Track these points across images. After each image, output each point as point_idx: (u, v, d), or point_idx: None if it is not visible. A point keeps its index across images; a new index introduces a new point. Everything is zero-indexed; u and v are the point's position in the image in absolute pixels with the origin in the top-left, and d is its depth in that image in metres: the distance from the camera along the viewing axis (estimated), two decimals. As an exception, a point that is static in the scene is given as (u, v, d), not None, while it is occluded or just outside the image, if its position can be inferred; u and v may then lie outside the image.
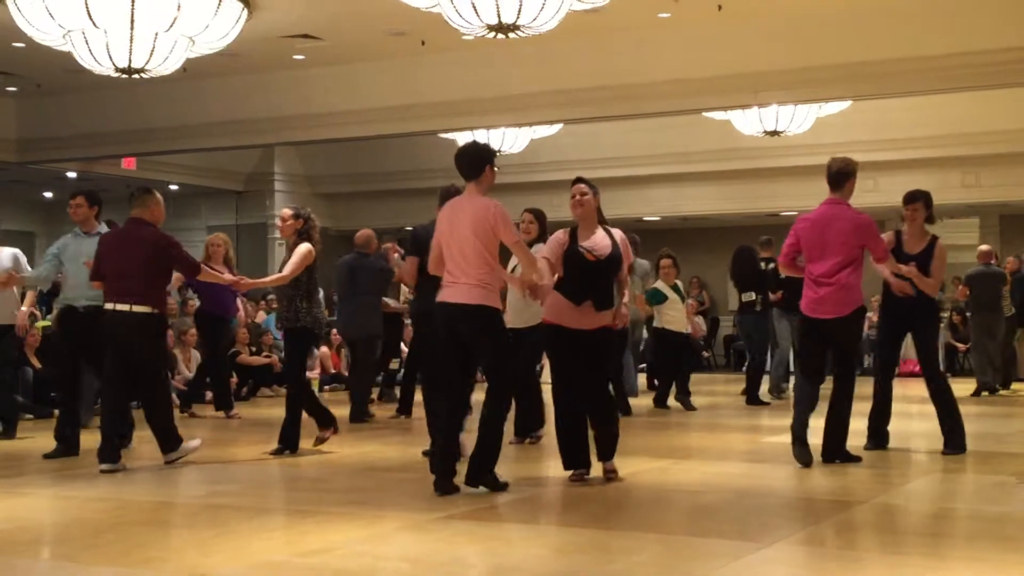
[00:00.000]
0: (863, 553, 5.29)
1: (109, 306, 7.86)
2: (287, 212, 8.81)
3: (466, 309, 6.58)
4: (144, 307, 7.79)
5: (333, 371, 15.94)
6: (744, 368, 13.82)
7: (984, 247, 15.13)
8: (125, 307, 7.77)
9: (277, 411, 12.67)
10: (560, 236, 7.10)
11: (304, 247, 8.54)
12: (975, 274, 14.59)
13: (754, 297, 12.95)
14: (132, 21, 10.54)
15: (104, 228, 8.95)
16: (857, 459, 7.84)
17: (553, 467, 7.68)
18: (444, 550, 5.30)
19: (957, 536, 5.69)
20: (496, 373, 6.80)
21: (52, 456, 8.44)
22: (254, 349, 14.47)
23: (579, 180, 7.24)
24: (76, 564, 5.11)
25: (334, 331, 15.41)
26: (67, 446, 8.56)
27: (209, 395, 12.58)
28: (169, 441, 8.11)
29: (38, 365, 11.94)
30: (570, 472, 7.14)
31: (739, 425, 11.09)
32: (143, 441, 9.91)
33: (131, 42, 10.78)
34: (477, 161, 6.78)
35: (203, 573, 4.80)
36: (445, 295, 6.69)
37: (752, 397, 12.83)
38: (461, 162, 6.81)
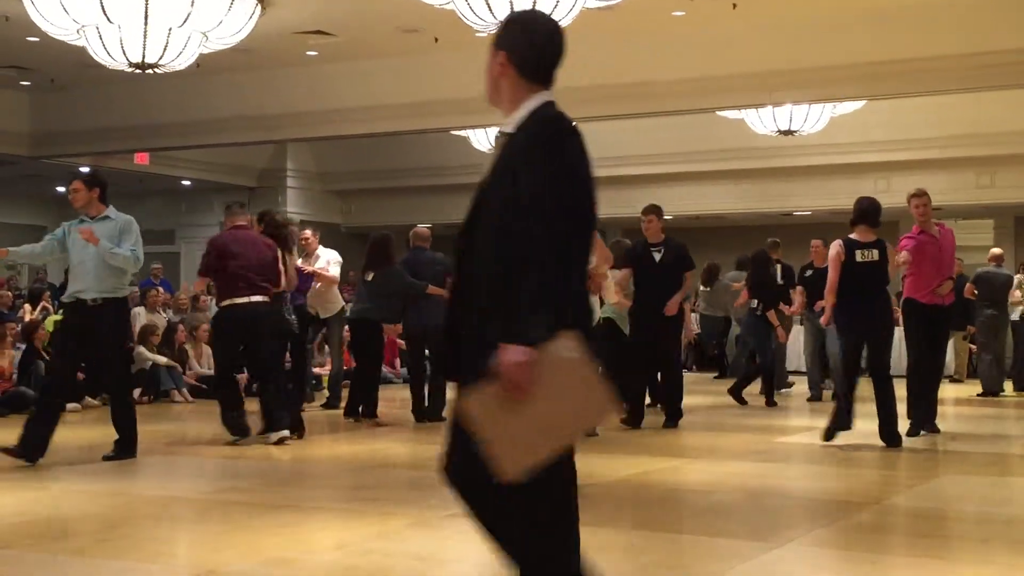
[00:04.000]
0: (875, 555, 5.26)
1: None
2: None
3: None
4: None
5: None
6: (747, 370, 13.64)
7: (996, 250, 14.93)
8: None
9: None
10: None
11: None
12: (983, 274, 14.44)
13: (755, 303, 12.76)
14: (146, 16, 10.58)
15: (112, 210, 7.87)
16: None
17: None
18: (454, 547, 5.28)
19: (968, 539, 5.67)
20: None
21: (13, 453, 7.54)
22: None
23: None
24: (86, 558, 5.12)
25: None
26: (31, 449, 7.57)
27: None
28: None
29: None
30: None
31: (751, 425, 11.04)
32: (154, 436, 9.88)
33: (145, 37, 10.81)
34: None
35: (213, 569, 4.80)
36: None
37: (770, 399, 12.64)
38: None
